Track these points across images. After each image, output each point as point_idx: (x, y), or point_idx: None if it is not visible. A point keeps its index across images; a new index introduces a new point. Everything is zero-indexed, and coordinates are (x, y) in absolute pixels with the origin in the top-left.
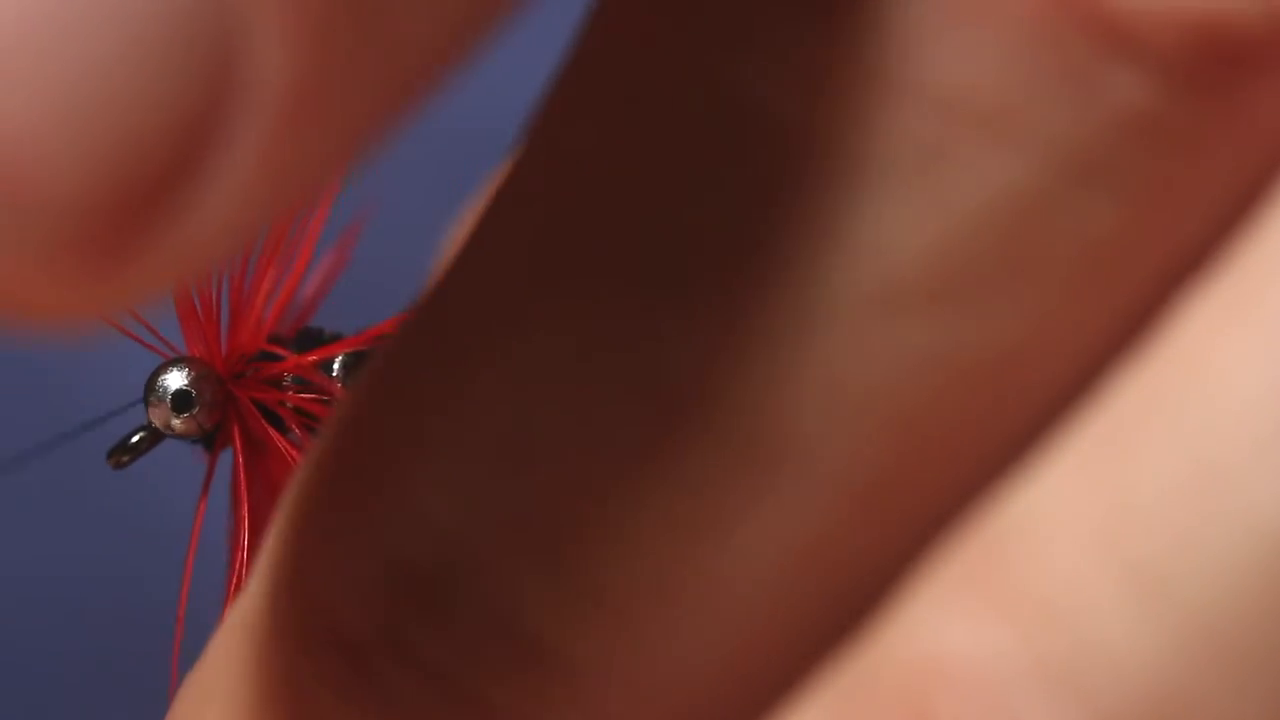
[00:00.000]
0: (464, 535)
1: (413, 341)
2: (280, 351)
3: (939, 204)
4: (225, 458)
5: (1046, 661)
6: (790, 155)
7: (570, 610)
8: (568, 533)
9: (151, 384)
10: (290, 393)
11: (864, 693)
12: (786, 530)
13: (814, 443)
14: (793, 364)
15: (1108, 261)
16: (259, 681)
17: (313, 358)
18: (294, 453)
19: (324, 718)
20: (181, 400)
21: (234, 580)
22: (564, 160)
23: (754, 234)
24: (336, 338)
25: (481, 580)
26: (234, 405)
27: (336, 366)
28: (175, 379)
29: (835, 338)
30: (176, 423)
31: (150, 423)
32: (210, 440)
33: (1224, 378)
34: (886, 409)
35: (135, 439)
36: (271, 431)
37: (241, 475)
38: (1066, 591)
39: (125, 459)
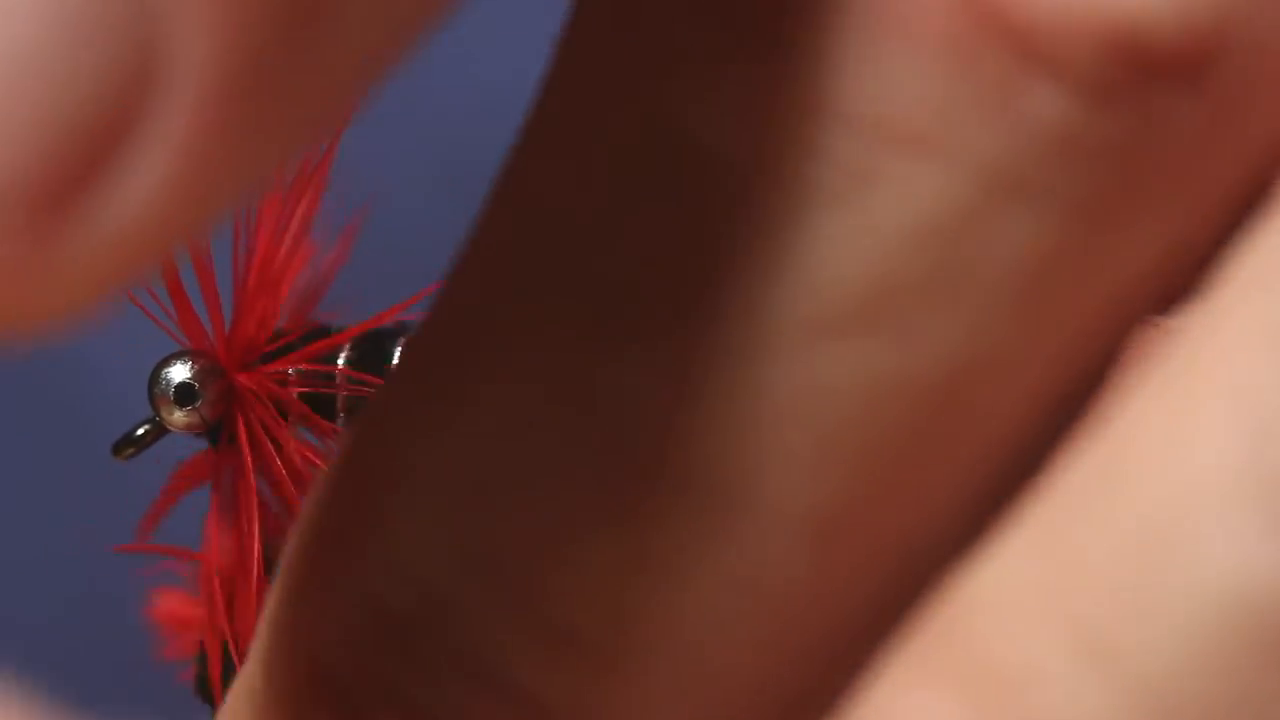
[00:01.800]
0: (442, 581)
1: (394, 390)
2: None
3: (871, 226)
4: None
5: None
6: (722, 184)
7: (544, 651)
8: (538, 575)
9: (155, 377)
10: (294, 386)
11: None
12: (745, 569)
13: (767, 479)
14: (740, 400)
15: (1052, 279)
16: None
17: (318, 348)
18: (297, 446)
19: None
20: (184, 393)
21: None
22: (520, 201)
23: (694, 267)
24: (341, 331)
25: (459, 625)
26: (238, 399)
27: (343, 356)
28: (179, 372)
29: (780, 370)
30: (179, 416)
31: (155, 416)
32: (214, 434)
33: (1182, 444)
34: (838, 440)
35: (140, 432)
36: (276, 425)
37: (248, 469)
38: (1017, 660)
39: (130, 452)
